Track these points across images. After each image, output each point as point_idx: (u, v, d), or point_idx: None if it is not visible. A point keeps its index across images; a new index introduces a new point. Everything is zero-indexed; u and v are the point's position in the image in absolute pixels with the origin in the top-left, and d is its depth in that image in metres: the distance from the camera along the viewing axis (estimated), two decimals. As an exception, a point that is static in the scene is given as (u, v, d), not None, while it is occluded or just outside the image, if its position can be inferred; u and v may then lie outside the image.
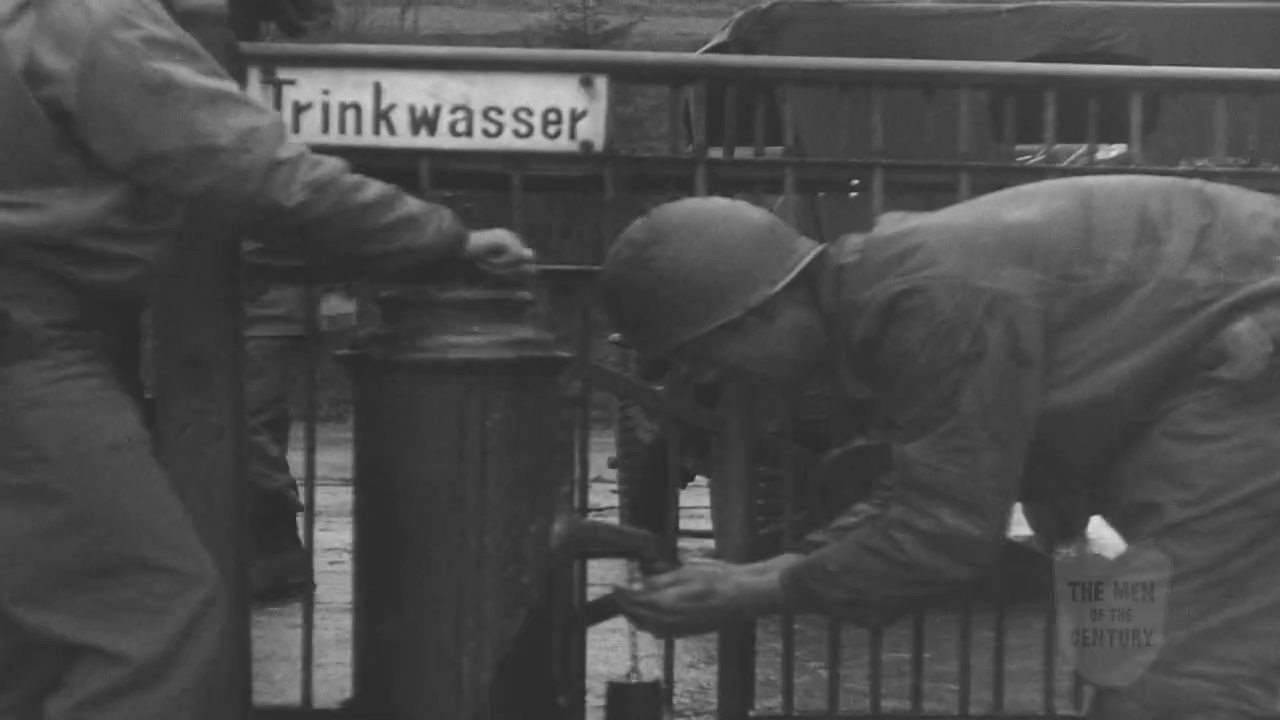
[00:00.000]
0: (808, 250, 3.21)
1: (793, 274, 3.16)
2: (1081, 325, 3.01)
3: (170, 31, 3.10)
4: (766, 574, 3.28)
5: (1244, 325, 2.96)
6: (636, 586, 3.34)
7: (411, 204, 3.25)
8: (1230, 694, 2.96)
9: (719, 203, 3.33)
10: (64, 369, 3.08)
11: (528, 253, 3.43)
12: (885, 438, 3.23)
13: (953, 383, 2.99)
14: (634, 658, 3.74)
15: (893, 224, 3.19)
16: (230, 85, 3.15)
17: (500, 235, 3.41)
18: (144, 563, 3.13)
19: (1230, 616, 2.96)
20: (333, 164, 3.16)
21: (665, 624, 3.37)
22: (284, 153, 3.09)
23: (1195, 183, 3.18)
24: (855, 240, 3.21)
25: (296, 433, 6.67)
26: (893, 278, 3.05)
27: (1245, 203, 3.11)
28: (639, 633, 3.50)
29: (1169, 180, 3.19)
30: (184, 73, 3.05)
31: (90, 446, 3.09)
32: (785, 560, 3.29)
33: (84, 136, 3.03)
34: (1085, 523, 3.43)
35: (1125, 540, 3.12)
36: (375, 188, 3.19)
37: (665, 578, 3.31)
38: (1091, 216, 3.06)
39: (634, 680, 3.68)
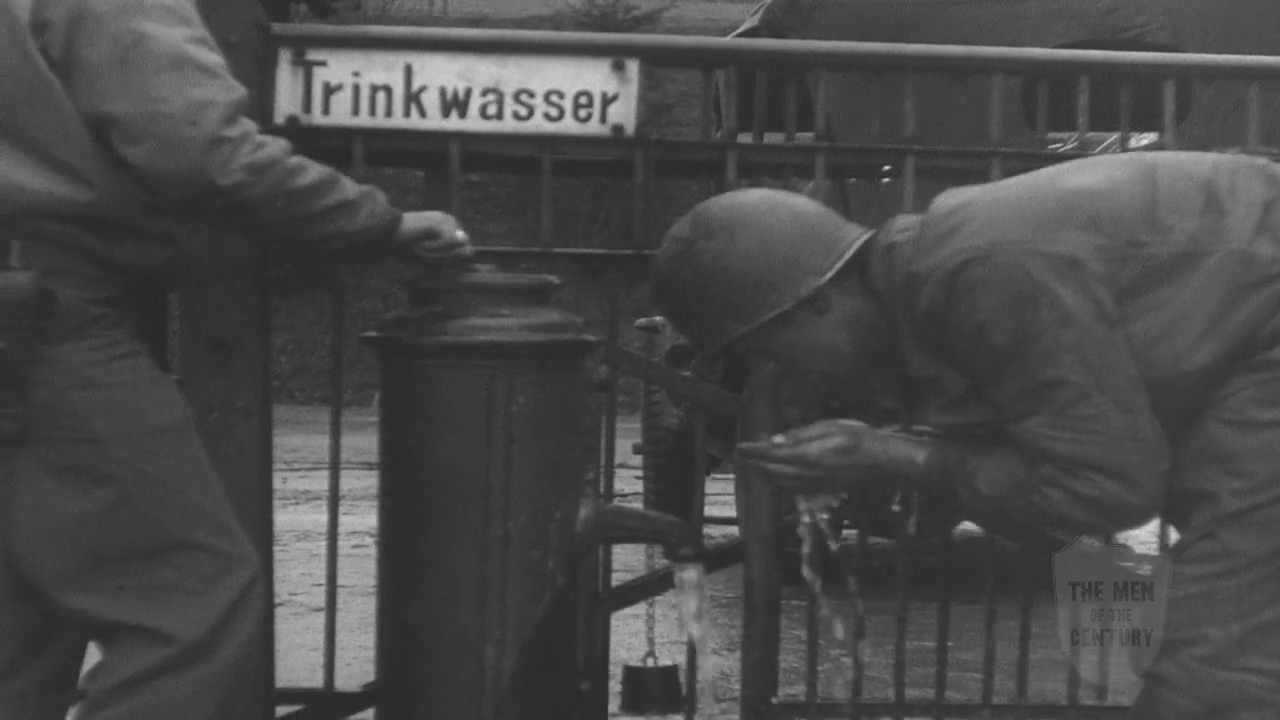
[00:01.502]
0: (855, 237, 3.17)
1: (841, 262, 3.13)
2: (1147, 295, 2.95)
3: None
4: (913, 446, 3.20)
5: None
6: (778, 439, 3.26)
7: (348, 188, 3.21)
8: (1278, 690, 2.92)
9: (764, 194, 3.28)
10: (112, 348, 3.07)
11: (461, 235, 3.40)
12: (952, 416, 3.18)
13: (1046, 350, 2.93)
14: (651, 642, 3.74)
15: (949, 199, 3.14)
16: (211, 57, 3.09)
17: (434, 219, 3.39)
18: (191, 544, 3.14)
19: None
20: (276, 146, 3.11)
21: (806, 478, 3.25)
22: (228, 131, 3.03)
23: (1261, 160, 3.13)
24: (908, 219, 3.18)
25: (321, 416, 6.68)
26: (954, 246, 3.00)
27: None
28: (656, 618, 3.49)
29: (1233, 156, 3.13)
30: (165, 33, 3.02)
31: (140, 428, 3.09)
32: (930, 443, 3.20)
33: (69, 92, 3.02)
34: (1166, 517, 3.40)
35: (1178, 529, 3.09)
36: (314, 171, 3.15)
37: (811, 430, 3.24)
38: (1156, 186, 3.01)
39: (651, 665, 3.68)
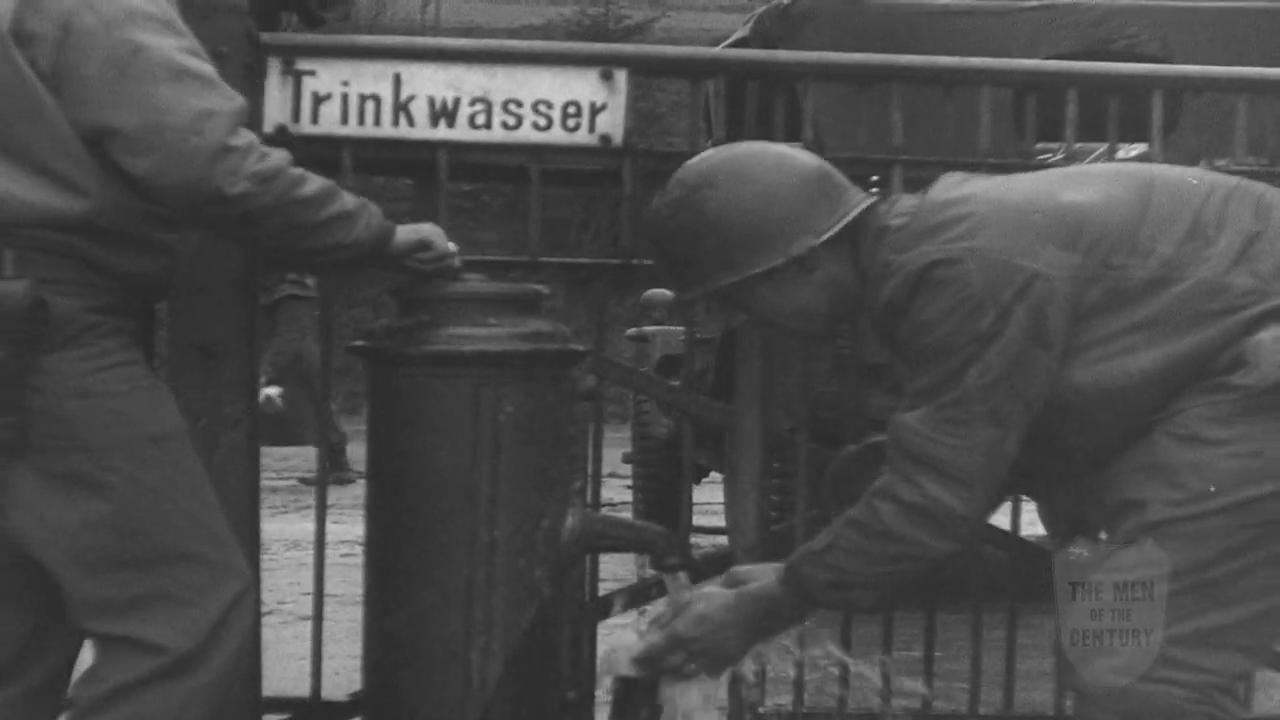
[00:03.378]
0: (856, 203, 3.18)
1: (837, 227, 3.14)
2: (1112, 313, 2.96)
3: (154, 5, 3.07)
4: (765, 577, 3.22)
5: (1268, 334, 2.92)
6: (644, 638, 3.27)
7: (347, 199, 3.22)
8: (1201, 700, 2.90)
9: (772, 149, 3.29)
10: (107, 357, 3.07)
11: (452, 247, 3.42)
12: (893, 402, 3.20)
13: (964, 358, 2.95)
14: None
15: (949, 187, 3.15)
16: (205, 67, 3.10)
17: (426, 231, 3.40)
18: (184, 554, 3.14)
19: (1204, 625, 2.90)
20: (279, 156, 3.12)
21: (698, 652, 3.24)
22: (234, 140, 3.04)
23: (1260, 187, 3.12)
24: (908, 202, 3.19)
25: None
26: (932, 244, 3.01)
27: None
28: (648, 628, 3.49)
29: (1234, 180, 3.13)
30: (158, 45, 3.02)
31: (134, 436, 3.09)
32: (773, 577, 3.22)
33: (61, 105, 3.02)
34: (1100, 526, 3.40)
35: (1109, 537, 3.08)
36: (315, 183, 3.16)
37: (666, 611, 3.27)
38: (1147, 207, 3.02)
39: (640, 674, 3.67)
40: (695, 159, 3.25)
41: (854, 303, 3.20)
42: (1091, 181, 3.12)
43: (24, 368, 2.96)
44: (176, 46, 3.06)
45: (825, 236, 3.13)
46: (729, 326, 6.93)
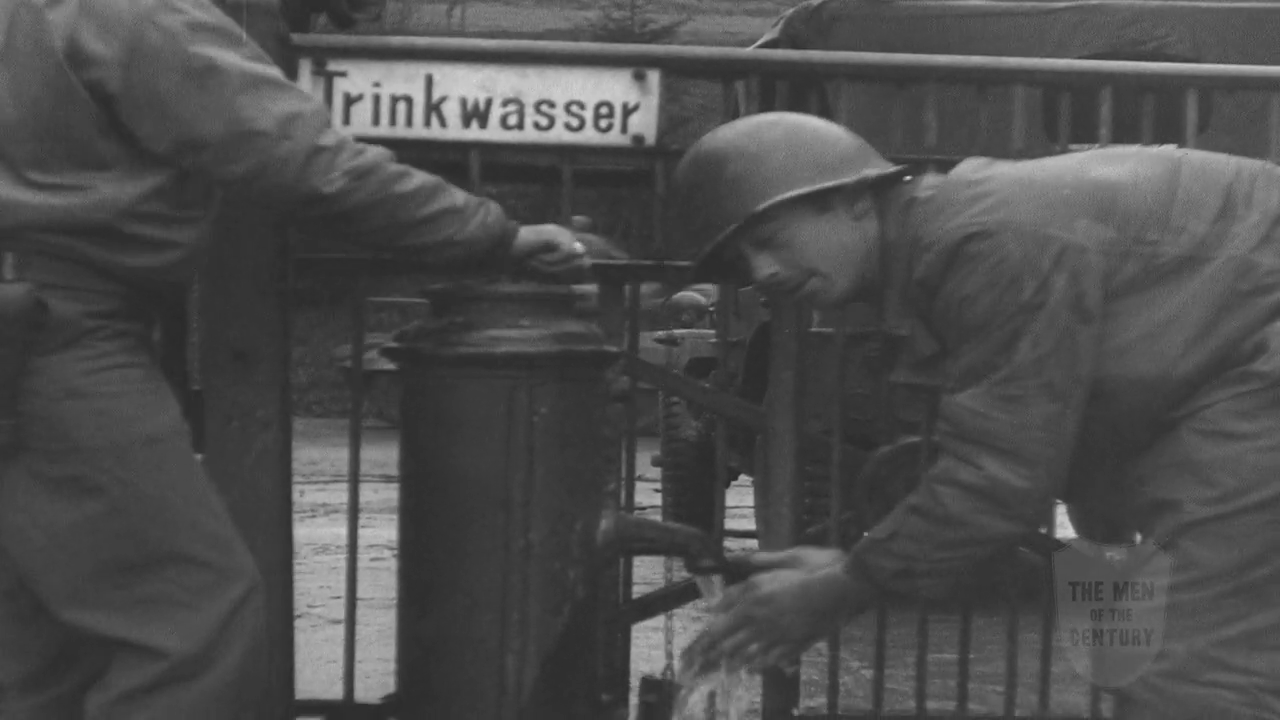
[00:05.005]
0: (892, 167, 3.22)
1: (889, 170, 3.17)
2: (1142, 293, 2.95)
3: (212, 16, 3.09)
4: (831, 562, 3.21)
5: None
6: (706, 621, 3.27)
7: (457, 196, 3.22)
8: (1250, 704, 2.87)
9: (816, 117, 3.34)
10: (104, 359, 3.06)
11: (580, 248, 3.40)
12: (914, 377, 3.18)
13: (1011, 331, 2.92)
14: (669, 655, 3.72)
15: (974, 168, 3.15)
16: (273, 70, 3.13)
17: (551, 231, 3.38)
18: (181, 556, 3.12)
19: (1250, 626, 2.87)
20: (376, 153, 3.14)
21: (761, 631, 3.23)
22: (325, 139, 3.08)
23: None
24: (932, 178, 3.19)
25: (338, 429, 6.68)
26: (964, 218, 3.00)
27: None
28: (675, 631, 3.48)
29: (1260, 163, 3.12)
30: (227, 57, 3.05)
31: (129, 438, 3.08)
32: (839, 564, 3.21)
33: (128, 121, 3.03)
34: (1134, 527, 3.39)
35: (1143, 538, 3.06)
36: (418, 178, 3.17)
37: (734, 589, 3.25)
38: (1177, 185, 3.01)
39: (669, 677, 3.66)
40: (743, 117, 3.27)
41: (874, 274, 3.18)
42: (1120, 160, 3.12)
43: (20, 370, 2.96)
44: (242, 56, 3.09)
45: (877, 173, 3.15)
46: (759, 328, 6.93)
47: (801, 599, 3.20)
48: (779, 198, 3.11)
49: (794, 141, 3.15)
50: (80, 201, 3.02)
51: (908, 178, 3.20)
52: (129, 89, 3.01)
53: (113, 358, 3.08)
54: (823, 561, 3.22)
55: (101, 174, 3.03)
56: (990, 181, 3.06)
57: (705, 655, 3.24)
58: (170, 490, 3.13)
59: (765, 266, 3.20)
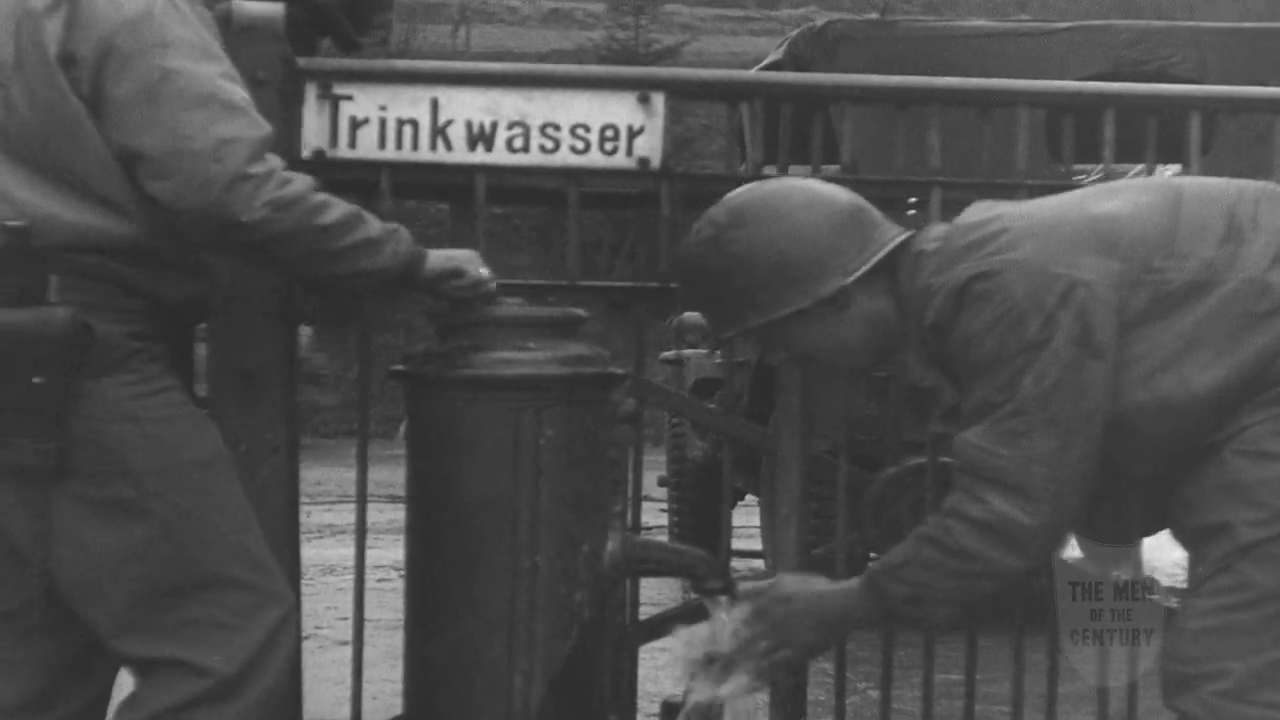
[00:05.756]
0: (888, 239, 3.18)
1: (868, 265, 3.14)
2: (1158, 321, 2.96)
3: (191, 31, 3.09)
4: (849, 582, 3.24)
5: None
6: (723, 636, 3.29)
7: (372, 226, 3.21)
8: None
9: (804, 186, 3.28)
10: (150, 383, 3.08)
11: (485, 273, 3.40)
12: (946, 427, 3.18)
13: (1016, 368, 2.94)
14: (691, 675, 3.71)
15: (979, 211, 3.16)
16: (234, 93, 3.10)
17: (458, 258, 3.38)
18: (227, 579, 3.14)
19: None
20: (301, 183, 3.12)
21: (774, 626, 3.25)
22: (253, 168, 3.05)
23: None
24: (940, 228, 3.20)
25: (344, 449, 6.69)
26: (968, 262, 3.02)
27: None
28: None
29: (1261, 184, 3.14)
30: (189, 72, 3.04)
31: (177, 462, 3.10)
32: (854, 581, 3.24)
33: (97, 125, 3.04)
34: (1139, 544, 3.39)
35: (1195, 563, 3.07)
36: (338, 210, 3.16)
37: (742, 612, 3.27)
38: (1179, 212, 3.02)
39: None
40: (728, 196, 3.26)
41: (895, 335, 3.19)
42: (1119, 193, 3.13)
43: (66, 394, 2.97)
44: (213, 73, 3.08)
45: (854, 276, 3.13)
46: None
47: (815, 605, 3.23)
48: (741, 326, 3.19)
49: (756, 258, 3.14)
50: (119, 224, 3.04)
51: (899, 239, 3.20)
52: (93, 91, 3.02)
53: (159, 380, 3.10)
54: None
55: (127, 185, 3.04)
56: (994, 224, 3.07)
57: (710, 649, 3.26)
58: (217, 513, 3.15)
59: (772, 353, 3.33)
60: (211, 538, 3.13)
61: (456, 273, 3.35)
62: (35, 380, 2.94)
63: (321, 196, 3.15)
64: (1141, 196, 3.08)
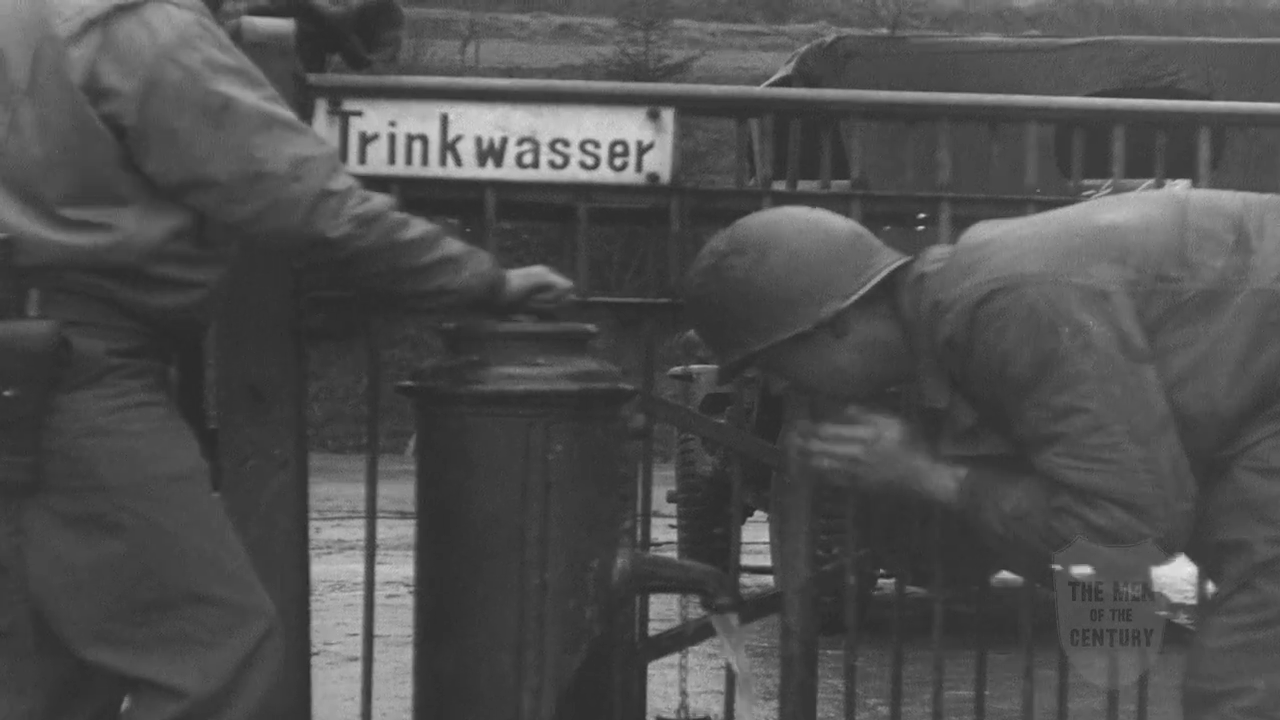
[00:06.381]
0: (887, 264, 3.18)
1: (865, 289, 3.14)
2: (1175, 332, 2.96)
3: (232, 56, 3.11)
4: (948, 465, 3.19)
5: None
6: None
7: (452, 246, 3.27)
8: None
9: (802, 214, 3.31)
10: (126, 397, 3.07)
11: (567, 283, 3.46)
12: (959, 449, 3.17)
13: (1065, 377, 2.92)
14: (683, 693, 3.72)
15: (981, 230, 3.16)
16: (288, 113, 3.16)
17: (538, 275, 3.43)
18: (202, 596, 3.13)
19: None
20: (380, 200, 3.19)
21: (853, 458, 3.25)
22: (334, 184, 3.11)
23: None
24: (941, 249, 3.20)
25: (354, 464, 6.68)
26: (980, 276, 3.01)
27: None
28: (690, 668, 3.47)
29: (1267, 196, 3.14)
30: (244, 97, 3.07)
31: (151, 477, 3.09)
32: (965, 465, 3.17)
33: (138, 155, 3.04)
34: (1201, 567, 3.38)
35: (1213, 581, 3.07)
36: (419, 227, 3.22)
37: (868, 417, 3.26)
38: (1186, 223, 3.02)
39: (684, 716, 3.66)
40: (730, 226, 3.27)
41: (899, 361, 3.19)
42: (1125, 205, 3.13)
43: (42, 408, 2.97)
44: (265, 95, 3.12)
45: (851, 300, 3.14)
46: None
47: (912, 465, 3.20)
48: (742, 353, 3.20)
49: (754, 285, 3.16)
50: (105, 241, 3.04)
51: (897, 263, 3.19)
52: (144, 124, 3.03)
53: (135, 395, 3.09)
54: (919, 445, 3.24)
55: (123, 210, 3.05)
56: (1000, 240, 3.07)
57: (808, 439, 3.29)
58: (191, 529, 3.14)
59: (775, 381, 3.30)
60: (186, 553, 3.12)
61: (541, 288, 3.39)
62: (6, 394, 2.94)
63: (402, 214, 3.22)
64: (1147, 207, 3.08)
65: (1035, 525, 3.04)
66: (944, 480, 3.18)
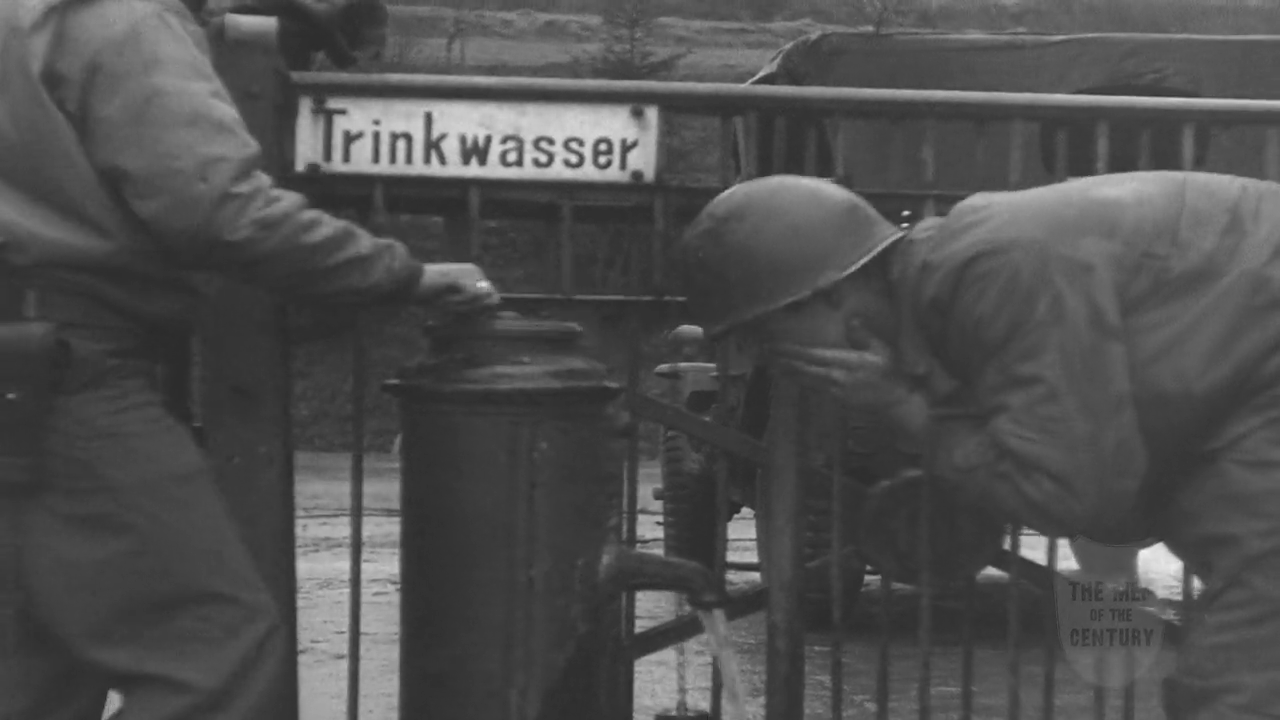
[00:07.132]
0: (885, 236, 3.19)
1: (865, 259, 3.15)
2: (1156, 309, 2.96)
3: (182, 50, 3.09)
4: (924, 404, 3.20)
5: None
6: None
7: (363, 243, 3.19)
8: None
9: (803, 183, 3.31)
10: (127, 399, 3.08)
11: (485, 287, 3.39)
12: (945, 410, 3.18)
13: (1030, 345, 2.94)
14: (682, 690, 3.71)
15: (974, 201, 3.17)
16: (223, 112, 3.09)
17: (455, 273, 3.37)
18: (209, 593, 3.13)
19: None
20: (289, 201, 3.10)
21: (835, 379, 3.22)
22: (238, 187, 3.03)
23: None
24: (933, 220, 3.21)
25: (340, 463, 6.68)
26: (970, 239, 3.02)
27: None
28: (686, 665, 3.48)
29: (1266, 183, 3.15)
30: (177, 91, 3.04)
31: (157, 477, 3.10)
32: (937, 410, 3.20)
33: (83, 143, 3.03)
34: (1134, 551, 3.39)
35: (1200, 576, 3.07)
36: (327, 228, 3.14)
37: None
38: (1183, 202, 3.03)
39: (682, 713, 3.66)
40: (726, 192, 3.27)
41: (889, 333, 3.19)
42: (1124, 181, 3.15)
43: (42, 409, 2.97)
44: (202, 91, 3.08)
45: (849, 270, 3.13)
46: (760, 363, 6.93)
47: (880, 380, 3.19)
48: (736, 319, 3.19)
49: (754, 250, 3.15)
50: (100, 243, 3.04)
51: (896, 235, 3.20)
52: (81, 110, 3.02)
53: (135, 396, 3.10)
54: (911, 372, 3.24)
55: (118, 212, 3.04)
56: (993, 207, 3.08)
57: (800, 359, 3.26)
58: (198, 527, 3.15)
59: (761, 353, 3.35)
60: (192, 552, 3.13)
61: (452, 289, 3.34)
62: (9, 396, 2.94)
63: (310, 214, 3.13)
64: (1146, 185, 3.09)
65: (979, 481, 3.07)
66: (915, 414, 3.20)
